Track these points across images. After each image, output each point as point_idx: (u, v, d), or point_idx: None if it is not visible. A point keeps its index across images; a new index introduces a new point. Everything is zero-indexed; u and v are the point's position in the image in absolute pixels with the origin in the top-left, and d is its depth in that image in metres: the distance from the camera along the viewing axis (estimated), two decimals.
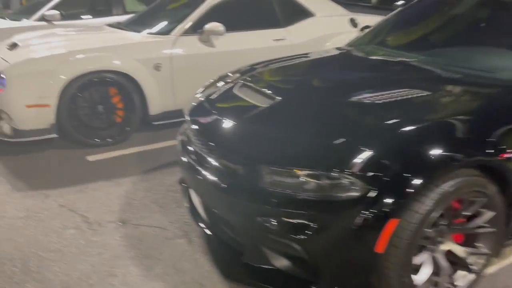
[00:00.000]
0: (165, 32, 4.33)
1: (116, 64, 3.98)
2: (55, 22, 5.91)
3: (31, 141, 3.92)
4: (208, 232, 2.37)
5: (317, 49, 4.89)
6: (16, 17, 6.22)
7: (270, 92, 2.43)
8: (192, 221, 2.60)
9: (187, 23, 4.34)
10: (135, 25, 4.77)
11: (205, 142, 2.26)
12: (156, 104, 4.25)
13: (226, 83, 2.83)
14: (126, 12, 6.54)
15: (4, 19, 6.20)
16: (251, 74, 2.85)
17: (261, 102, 2.28)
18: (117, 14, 6.43)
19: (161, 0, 5.32)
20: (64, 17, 6.02)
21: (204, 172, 2.18)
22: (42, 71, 3.73)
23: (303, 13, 4.96)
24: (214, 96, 2.68)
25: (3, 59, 3.88)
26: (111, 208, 2.99)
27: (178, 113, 4.42)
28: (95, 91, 4.01)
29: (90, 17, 6.41)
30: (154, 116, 4.31)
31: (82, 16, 6.40)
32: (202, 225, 2.41)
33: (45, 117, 3.83)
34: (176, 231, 2.70)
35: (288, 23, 4.84)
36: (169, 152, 3.97)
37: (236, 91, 2.55)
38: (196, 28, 4.36)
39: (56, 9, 5.98)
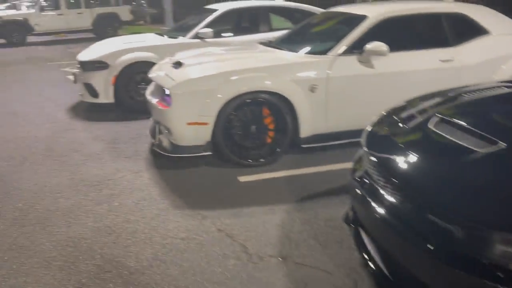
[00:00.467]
0: (322, 51, 4.13)
1: (272, 85, 3.89)
2: (207, 40, 6.15)
3: (187, 156, 4.03)
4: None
5: (491, 72, 4.28)
6: (172, 34, 6.63)
7: (486, 133, 2.00)
8: (363, 269, 2.31)
9: (346, 43, 4.09)
10: (288, 43, 4.68)
11: (395, 185, 1.95)
12: (308, 126, 4.07)
13: (413, 112, 2.48)
14: (271, 30, 6.58)
15: (162, 36, 6.66)
16: (447, 105, 2.45)
17: (476, 145, 1.88)
18: (264, 31, 6.48)
19: (313, 18, 5.18)
20: (215, 34, 6.25)
21: (393, 221, 1.87)
22: (204, 90, 3.79)
23: (476, 31, 4.37)
24: (401, 127, 2.36)
25: (169, 76, 4.05)
26: (270, 240, 2.84)
27: (329, 136, 4.21)
28: (249, 111, 3.97)
29: (238, 34, 6.55)
30: (304, 139, 4.13)
31: (231, 34, 6.58)
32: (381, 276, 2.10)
33: (202, 135, 3.90)
34: (345, 279, 2.42)
35: (458, 42, 4.30)
36: (320, 179, 3.74)
37: (432, 125, 2.18)
38: (355, 48, 4.09)
39: (208, 27, 6.23)
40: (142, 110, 6.06)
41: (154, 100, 4.23)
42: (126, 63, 5.90)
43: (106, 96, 6.00)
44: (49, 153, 4.67)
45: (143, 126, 5.47)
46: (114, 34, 18.15)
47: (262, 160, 4.04)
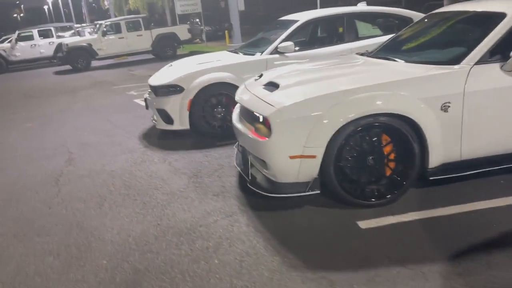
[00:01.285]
0: (452, 61, 3.33)
1: (395, 105, 3.14)
2: (288, 55, 5.53)
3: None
4: None
5: None
6: (247, 51, 6.07)
7: None
8: None
9: (483, 48, 3.26)
10: (399, 53, 3.93)
11: None
12: (438, 154, 3.26)
13: None
14: (359, 38, 5.84)
15: (237, 53, 6.11)
16: None
17: None
18: (349, 41, 5.76)
19: (423, 20, 4.39)
20: (296, 47, 5.61)
21: None
22: (311, 117, 3.12)
23: None
24: None
25: (265, 101, 3.42)
26: None
27: (463, 165, 3.38)
28: (365, 139, 3.24)
29: (322, 46, 5.87)
30: (433, 169, 3.33)
31: (314, 46, 5.91)
32: None
33: (308, 170, 3.21)
34: None
35: None
36: (468, 224, 2.92)
37: None
38: (495, 54, 3.26)
39: (288, 40, 5.60)
40: (219, 136, 5.54)
41: (245, 129, 3.62)
42: (202, 85, 5.39)
43: (181, 122, 5.51)
44: (128, 191, 4.18)
45: (224, 155, 4.90)
46: (174, 54, 18.21)
47: (382, 198, 3.28)
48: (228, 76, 5.44)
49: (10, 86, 14.33)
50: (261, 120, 3.40)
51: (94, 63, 17.66)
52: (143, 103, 8.71)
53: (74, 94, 11.26)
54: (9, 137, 7.07)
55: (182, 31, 18.36)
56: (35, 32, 19.49)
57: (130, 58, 18.97)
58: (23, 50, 19.14)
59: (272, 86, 3.64)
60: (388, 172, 3.33)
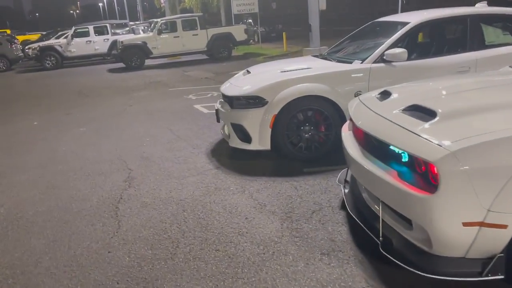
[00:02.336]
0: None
1: None
2: (396, 64, 4.46)
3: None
4: None
5: None
6: (342, 57, 5.04)
7: None
8: None
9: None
10: None
11: None
12: None
13: None
14: (485, 46, 4.69)
15: (329, 60, 5.09)
16: None
17: None
18: (474, 49, 4.61)
19: None
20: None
21: None
22: (507, 167, 2.06)
23: None
24: None
25: (421, 136, 2.37)
26: None
27: None
28: None
29: (439, 55, 4.75)
30: None
31: (429, 54, 4.81)
32: None
33: (488, 244, 2.16)
34: None
35: None
36: None
37: None
38: None
39: (395, 47, 4.53)
40: (305, 160, 4.56)
41: (375, 168, 2.59)
42: (290, 98, 4.42)
43: (261, 141, 4.57)
44: (206, 234, 3.27)
45: (318, 188, 3.91)
46: (229, 55, 17.46)
47: None
48: (321, 88, 4.45)
49: (65, 83, 14.02)
50: (406, 160, 2.39)
51: (147, 62, 17.20)
52: (204, 110, 7.92)
53: (129, 95, 10.65)
54: (62, 143, 6.41)
55: (238, 32, 17.57)
56: (91, 28, 19.33)
57: (183, 58, 18.40)
58: (78, 46, 19.02)
59: (420, 112, 2.59)
60: None
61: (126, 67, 16.53)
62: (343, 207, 3.49)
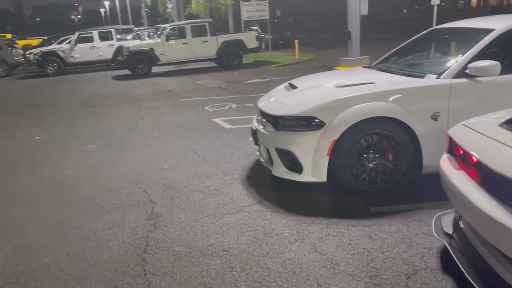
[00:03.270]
0: None
1: None
2: (482, 80, 3.65)
3: None
4: None
5: None
6: (407, 70, 4.23)
7: None
8: None
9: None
10: None
11: None
12: None
13: None
14: None
15: (391, 73, 4.26)
16: None
17: None
18: None
19: None
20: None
21: None
22: None
23: None
24: None
25: None
26: None
27: None
28: None
29: None
30: None
31: None
32: None
33: None
34: None
35: None
36: None
37: None
38: None
39: (478, 59, 3.72)
40: (369, 195, 3.74)
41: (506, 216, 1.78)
42: (355, 120, 3.61)
43: (316, 171, 3.74)
44: None
45: (400, 238, 3.08)
46: (239, 63, 16.67)
47: None
48: (393, 108, 3.64)
49: (69, 91, 13.19)
50: None
51: (154, 69, 16.40)
52: (226, 125, 7.10)
53: (139, 105, 9.83)
54: (69, 163, 5.58)
55: (249, 39, 16.80)
56: (95, 33, 18.54)
57: (191, 66, 17.61)
58: (81, 52, 18.22)
59: None
60: None
61: (132, 74, 15.73)
62: (446, 269, 2.66)
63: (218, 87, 11.97)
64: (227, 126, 7.07)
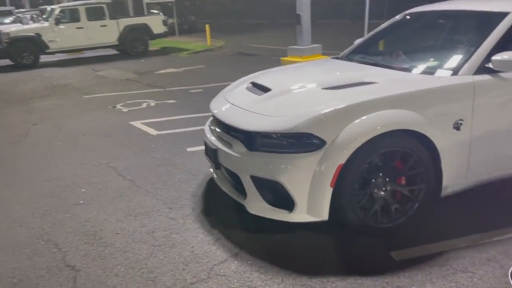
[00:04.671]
0: None
1: None
2: (505, 75, 2.91)
3: None
4: None
5: None
6: (401, 63, 3.34)
7: None
8: None
9: None
10: None
11: None
12: None
13: None
14: None
15: (382, 66, 3.34)
16: None
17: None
18: None
19: None
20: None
21: None
22: None
23: None
24: None
25: None
26: None
27: None
28: None
29: None
30: None
31: None
32: None
33: None
34: None
35: None
36: None
37: None
38: None
39: (496, 49, 2.98)
40: (386, 235, 2.82)
41: None
42: (367, 137, 2.62)
43: (313, 208, 2.69)
44: None
45: None
46: (145, 50, 14.88)
47: None
48: (414, 118, 2.72)
49: None
50: None
51: (43, 58, 13.90)
52: (151, 131, 5.72)
53: (28, 105, 7.88)
54: None
55: (155, 23, 15.08)
56: None
57: (88, 53, 15.34)
58: None
59: None
60: None
61: (15, 65, 13.12)
62: None
63: (127, 79, 10.31)
64: (153, 132, 5.70)
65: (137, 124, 6.12)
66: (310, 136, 2.65)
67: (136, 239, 3.03)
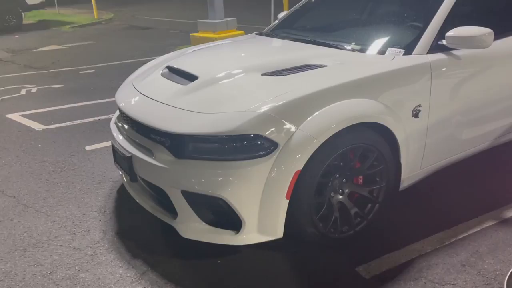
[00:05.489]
0: None
1: None
2: (466, 52, 2.63)
3: None
4: None
5: None
6: (343, 41, 2.89)
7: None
8: None
9: None
10: None
11: None
12: None
13: None
14: None
15: (321, 45, 2.84)
16: None
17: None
18: None
19: None
20: None
21: None
22: None
23: None
24: None
25: None
26: None
27: None
28: None
29: None
30: None
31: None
32: None
33: None
34: None
35: None
36: None
37: None
38: None
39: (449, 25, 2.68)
40: (344, 243, 2.39)
41: None
42: (328, 133, 2.13)
43: (265, 226, 2.17)
44: None
45: None
46: (19, 24, 12.75)
47: None
48: (373, 108, 2.30)
49: None
50: None
51: None
52: (35, 126, 4.66)
53: None
54: None
55: None
56: None
57: None
58: None
59: None
60: None
61: None
62: None
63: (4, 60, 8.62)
64: (38, 126, 4.64)
65: (16, 117, 4.97)
66: (258, 137, 2.08)
67: (31, 283, 2.22)
